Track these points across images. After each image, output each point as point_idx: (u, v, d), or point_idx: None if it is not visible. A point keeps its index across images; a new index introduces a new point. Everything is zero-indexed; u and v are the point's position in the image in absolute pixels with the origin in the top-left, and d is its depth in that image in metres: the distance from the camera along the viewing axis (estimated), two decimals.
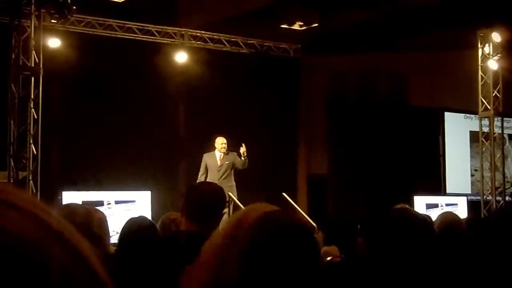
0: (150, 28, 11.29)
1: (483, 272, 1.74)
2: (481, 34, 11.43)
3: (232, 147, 9.75)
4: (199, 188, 3.53)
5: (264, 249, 1.43)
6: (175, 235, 3.74)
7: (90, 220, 3.19)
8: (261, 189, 11.09)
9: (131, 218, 3.86)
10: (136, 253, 3.41)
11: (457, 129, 13.51)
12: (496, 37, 11.18)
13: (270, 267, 1.42)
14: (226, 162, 9.54)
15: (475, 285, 1.76)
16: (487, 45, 11.42)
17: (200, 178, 9.42)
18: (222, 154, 9.58)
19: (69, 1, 8.50)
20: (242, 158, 9.44)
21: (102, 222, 3.72)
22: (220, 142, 9.59)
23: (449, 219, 4.80)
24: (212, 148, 9.70)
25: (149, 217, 5.39)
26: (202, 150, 9.85)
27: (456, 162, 13.39)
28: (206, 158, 9.61)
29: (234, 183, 9.59)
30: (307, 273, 1.43)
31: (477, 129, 12.11)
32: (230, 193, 9.01)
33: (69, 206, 3.71)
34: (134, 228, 3.72)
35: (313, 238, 1.52)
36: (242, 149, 9.38)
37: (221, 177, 9.38)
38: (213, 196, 3.18)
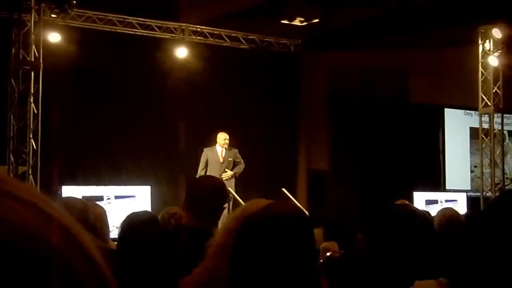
0: (150, 23, 11.27)
1: (482, 268, 1.74)
2: (482, 30, 11.41)
3: (232, 142, 9.76)
4: (201, 182, 3.52)
5: (257, 233, 1.45)
6: (175, 229, 3.75)
7: (86, 214, 3.19)
8: (261, 184, 11.10)
9: (132, 213, 3.84)
10: (136, 248, 3.40)
11: (457, 126, 13.50)
12: (497, 33, 11.16)
13: (263, 251, 1.43)
14: (229, 159, 9.55)
15: (474, 282, 1.76)
16: (487, 41, 11.39)
17: (200, 172, 9.40)
18: (224, 150, 9.59)
19: None
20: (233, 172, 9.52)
21: (101, 217, 3.72)
22: (223, 138, 9.60)
23: (448, 215, 4.81)
24: (213, 143, 9.71)
25: None
26: (202, 145, 9.86)
27: (456, 159, 13.38)
28: (207, 152, 9.61)
29: (233, 179, 9.59)
30: (302, 255, 1.44)
31: (477, 125, 12.10)
32: (230, 189, 9.02)
33: (66, 199, 3.70)
34: (134, 222, 3.72)
35: (307, 223, 1.53)
36: (227, 174, 9.42)
37: (222, 172, 9.39)
38: (214, 191, 3.17)
